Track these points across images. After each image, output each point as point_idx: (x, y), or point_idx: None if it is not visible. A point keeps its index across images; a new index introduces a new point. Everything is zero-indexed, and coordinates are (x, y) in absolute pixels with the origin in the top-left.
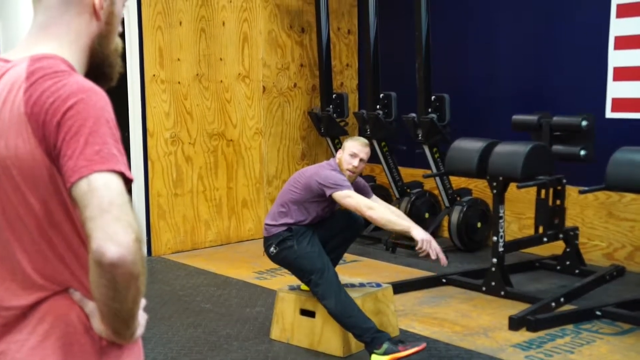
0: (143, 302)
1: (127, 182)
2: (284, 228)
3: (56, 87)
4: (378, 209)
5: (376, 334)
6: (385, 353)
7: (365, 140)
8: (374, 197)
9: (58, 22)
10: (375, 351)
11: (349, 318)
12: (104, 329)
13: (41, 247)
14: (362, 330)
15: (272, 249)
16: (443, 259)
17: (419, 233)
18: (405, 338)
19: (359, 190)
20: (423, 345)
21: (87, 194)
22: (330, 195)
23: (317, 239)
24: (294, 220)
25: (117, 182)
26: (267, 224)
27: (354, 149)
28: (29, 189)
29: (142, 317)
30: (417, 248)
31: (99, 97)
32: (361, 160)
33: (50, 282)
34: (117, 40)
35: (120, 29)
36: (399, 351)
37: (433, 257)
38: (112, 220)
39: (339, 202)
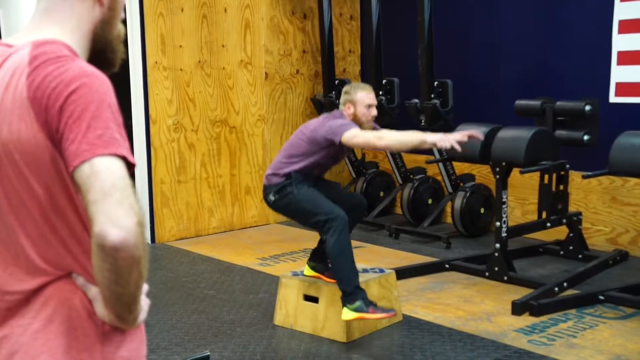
0: (145, 287)
1: (130, 166)
2: (284, 178)
3: (59, 71)
4: (387, 136)
5: (356, 289)
6: (355, 310)
7: (368, 85)
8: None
9: (61, 8)
10: (348, 305)
11: (340, 262)
12: (107, 314)
13: (44, 232)
14: (346, 280)
15: (270, 196)
16: (475, 135)
17: (432, 137)
18: (379, 303)
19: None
20: (392, 313)
21: (89, 178)
22: (340, 142)
23: (317, 190)
24: (297, 167)
25: (119, 166)
26: (268, 174)
27: (367, 100)
28: (31, 173)
29: (144, 303)
30: (438, 147)
31: (102, 82)
32: (375, 106)
33: (53, 267)
34: (120, 27)
35: (123, 15)
36: (367, 312)
37: (457, 148)
38: (114, 203)
39: (349, 145)
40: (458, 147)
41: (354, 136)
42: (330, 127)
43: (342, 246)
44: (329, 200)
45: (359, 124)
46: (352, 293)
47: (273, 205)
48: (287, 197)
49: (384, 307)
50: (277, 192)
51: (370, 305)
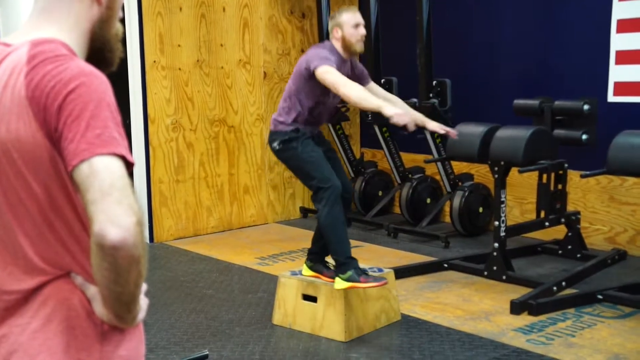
0: (144, 286)
1: (128, 165)
2: (291, 128)
3: (57, 70)
4: (353, 87)
5: (347, 259)
6: (347, 280)
7: (353, 6)
8: (372, 84)
9: (58, 7)
10: (340, 275)
11: (333, 233)
12: (106, 313)
13: (43, 231)
14: (339, 250)
15: (275, 144)
16: (451, 133)
17: (389, 110)
18: (372, 272)
19: (358, 75)
20: (383, 282)
21: (88, 177)
22: (314, 72)
23: (321, 151)
24: (295, 114)
25: (118, 165)
26: (273, 118)
27: (353, 20)
28: (30, 173)
29: (143, 302)
30: (393, 122)
31: (100, 81)
32: (363, 25)
33: (52, 266)
34: (118, 25)
35: (120, 14)
36: (359, 282)
37: (411, 127)
38: (114, 203)
39: (320, 78)
40: (411, 128)
41: (327, 72)
42: (313, 55)
43: (334, 218)
44: (329, 166)
45: (349, 46)
46: (344, 263)
47: (276, 154)
48: (290, 151)
49: (376, 277)
50: (282, 142)
51: (362, 274)
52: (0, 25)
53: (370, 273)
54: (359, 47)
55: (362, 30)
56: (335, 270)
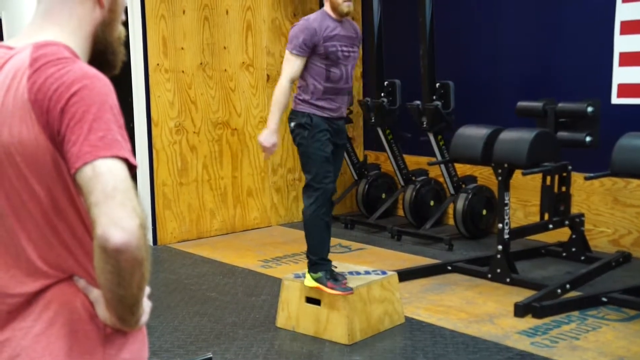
0: (147, 289)
1: (131, 168)
2: (308, 111)
3: (60, 73)
4: (279, 92)
5: (320, 260)
6: (316, 280)
7: None
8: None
9: (61, 10)
10: (311, 273)
11: (314, 232)
12: (109, 316)
13: (45, 234)
14: (315, 250)
15: (292, 123)
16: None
17: (261, 135)
18: (342, 277)
19: (352, 36)
20: (349, 292)
21: (91, 180)
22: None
23: (330, 147)
24: (312, 91)
25: (121, 168)
26: (294, 97)
27: None
28: (33, 175)
29: (146, 305)
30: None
31: (103, 84)
32: None
33: (54, 269)
34: (120, 28)
35: (123, 17)
36: (326, 286)
37: (265, 158)
38: (117, 205)
39: None
40: (265, 158)
41: (285, 59)
42: (289, 36)
43: (318, 218)
44: (330, 167)
45: (336, 6)
46: (316, 263)
47: (291, 132)
48: (301, 135)
49: (345, 286)
50: (298, 126)
51: (330, 279)
52: (4, 29)
53: (340, 279)
54: (345, 7)
55: None
56: (308, 267)
